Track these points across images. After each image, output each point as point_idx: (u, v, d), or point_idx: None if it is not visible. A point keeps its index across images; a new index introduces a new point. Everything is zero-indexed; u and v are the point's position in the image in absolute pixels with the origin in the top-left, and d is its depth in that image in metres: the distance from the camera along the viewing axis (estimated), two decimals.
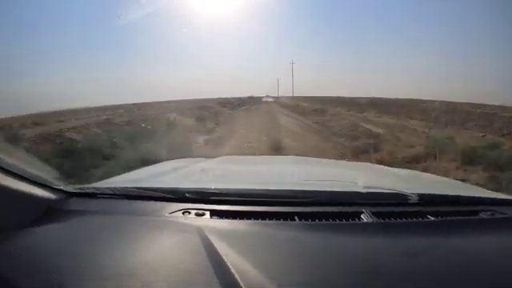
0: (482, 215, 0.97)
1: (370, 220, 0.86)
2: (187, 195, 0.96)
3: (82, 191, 1.03)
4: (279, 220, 0.85)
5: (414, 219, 0.90)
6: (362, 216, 0.88)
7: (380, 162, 4.29)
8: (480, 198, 1.11)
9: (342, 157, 5.70)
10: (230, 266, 0.61)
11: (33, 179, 0.89)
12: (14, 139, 6.29)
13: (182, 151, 5.12)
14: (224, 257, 0.64)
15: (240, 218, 0.85)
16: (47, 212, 0.89)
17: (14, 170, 0.83)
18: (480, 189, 1.42)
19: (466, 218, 0.95)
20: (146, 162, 2.54)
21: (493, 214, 0.98)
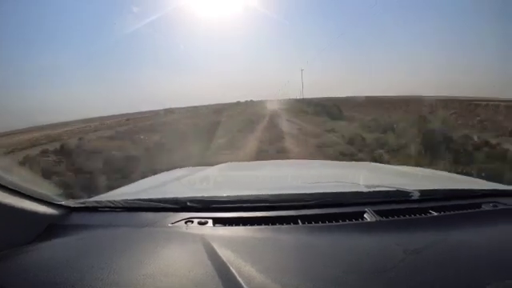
0: (484, 207, 0.97)
1: (374, 219, 0.87)
2: (189, 204, 0.96)
3: (84, 205, 1.02)
4: (282, 224, 0.85)
5: (417, 215, 0.90)
6: (365, 215, 0.88)
7: None
8: (481, 191, 1.11)
9: None
10: (236, 273, 0.61)
11: (34, 196, 0.89)
12: None
13: None
14: (229, 264, 0.64)
15: (243, 225, 0.85)
16: (50, 228, 0.89)
17: (15, 188, 0.83)
18: (481, 181, 1.42)
19: (469, 211, 0.95)
20: None
21: (495, 206, 0.98)
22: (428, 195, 1.01)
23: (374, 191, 0.98)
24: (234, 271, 0.62)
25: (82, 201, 1.05)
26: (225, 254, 0.68)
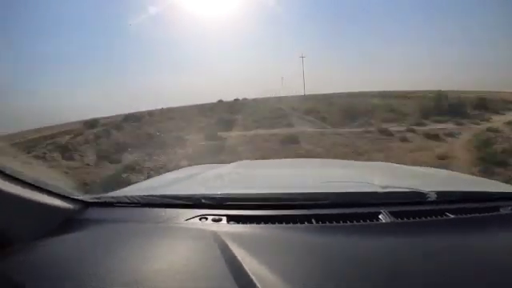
0: (502, 211, 0.95)
1: (389, 220, 0.85)
2: (204, 201, 0.97)
3: (100, 201, 1.05)
4: (296, 223, 0.84)
5: (433, 217, 0.88)
6: (379, 216, 0.87)
7: None
8: (499, 193, 1.08)
9: None
10: (248, 271, 0.61)
11: (51, 190, 0.91)
12: None
13: None
14: (242, 262, 0.64)
15: (257, 223, 0.85)
16: (66, 222, 0.90)
17: (32, 182, 0.85)
18: (499, 183, 1.38)
19: (486, 214, 0.93)
20: None
21: None
22: (444, 197, 0.99)
23: (389, 192, 0.97)
24: (246, 269, 0.62)
25: (98, 196, 1.07)
26: (238, 251, 0.68)
